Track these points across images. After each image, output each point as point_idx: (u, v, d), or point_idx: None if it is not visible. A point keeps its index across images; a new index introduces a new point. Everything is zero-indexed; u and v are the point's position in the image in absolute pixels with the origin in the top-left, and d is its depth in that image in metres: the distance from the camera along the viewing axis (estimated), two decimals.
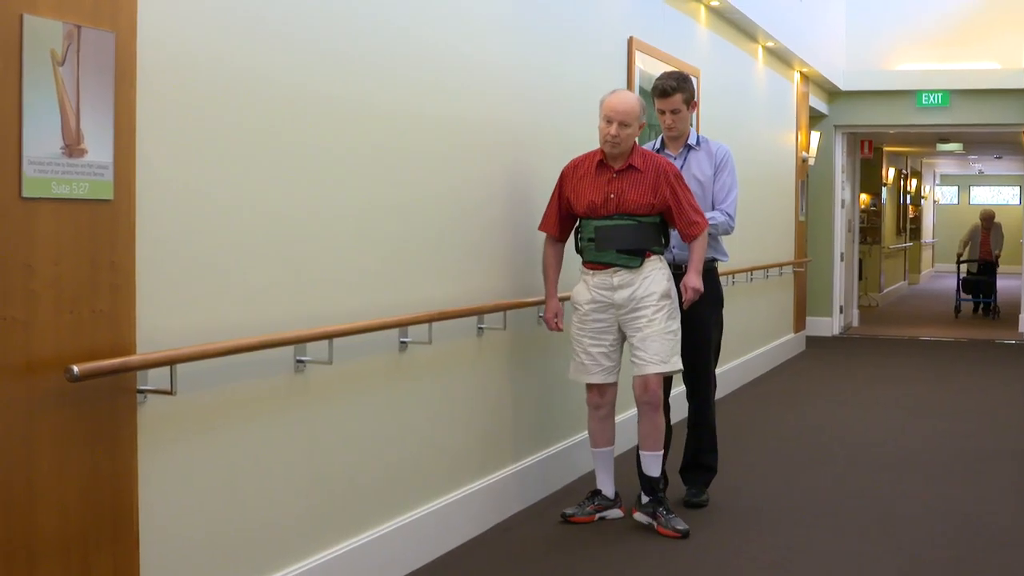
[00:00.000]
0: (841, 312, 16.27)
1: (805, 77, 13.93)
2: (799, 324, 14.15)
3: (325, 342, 4.41)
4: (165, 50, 3.66)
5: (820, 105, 15.32)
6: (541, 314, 6.39)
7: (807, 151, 14.22)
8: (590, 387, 5.93)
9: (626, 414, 7.14)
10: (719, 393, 9.77)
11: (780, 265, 12.65)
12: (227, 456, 4.01)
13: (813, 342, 14.86)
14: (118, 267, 3.44)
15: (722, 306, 6.45)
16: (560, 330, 5.96)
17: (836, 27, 15.09)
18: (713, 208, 6.30)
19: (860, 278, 18.73)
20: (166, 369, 3.61)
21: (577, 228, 5.90)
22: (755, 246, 11.55)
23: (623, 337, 5.85)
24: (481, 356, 5.83)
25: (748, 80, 11.46)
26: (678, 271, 6.03)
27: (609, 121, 5.67)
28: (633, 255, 5.72)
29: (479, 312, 5.64)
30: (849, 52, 15.35)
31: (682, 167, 6.19)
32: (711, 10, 9.86)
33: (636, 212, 5.72)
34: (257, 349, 4.01)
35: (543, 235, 6.01)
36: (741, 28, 10.84)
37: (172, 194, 3.70)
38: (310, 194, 4.41)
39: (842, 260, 16.14)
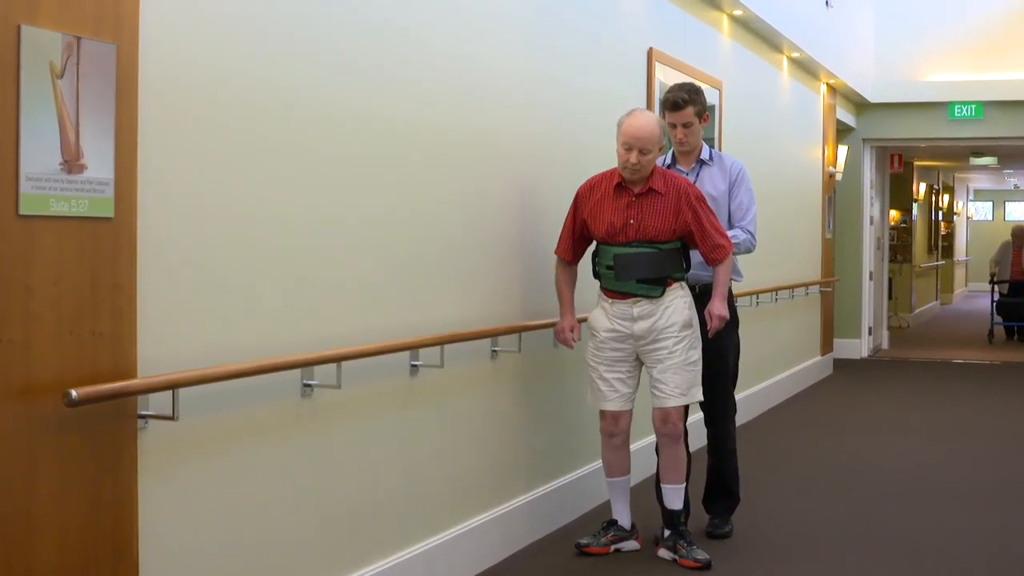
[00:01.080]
0: (870, 334, 16.24)
1: (832, 89, 13.93)
2: (826, 346, 14.14)
3: (333, 365, 4.41)
4: (168, 62, 3.68)
5: (848, 118, 15.32)
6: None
7: (834, 166, 14.22)
8: (604, 414, 5.88)
9: (642, 441, 7.14)
10: (741, 418, 9.75)
11: (806, 285, 12.64)
12: (231, 484, 4.02)
13: (841, 365, 14.84)
14: (119, 287, 3.46)
15: (737, 328, 6.42)
16: (572, 345, 5.96)
17: (864, 37, 15.09)
18: (730, 226, 6.27)
19: (890, 298, 18.70)
20: (168, 393, 3.61)
21: (594, 253, 5.87)
22: (780, 265, 11.54)
23: (641, 364, 5.84)
24: (495, 380, 5.84)
25: (772, 92, 11.48)
26: (692, 291, 5.96)
27: (629, 148, 5.62)
28: (654, 285, 5.70)
29: (493, 334, 5.64)
30: (878, 62, 15.34)
31: (695, 183, 6.13)
32: (734, 20, 9.88)
33: (657, 239, 5.68)
34: (263, 373, 4.02)
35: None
36: (765, 38, 10.86)
37: (175, 211, 3.72)
38: (318, 212, 4.43)
39: (871, 279, 16.12)
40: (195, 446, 3.84)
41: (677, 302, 5.72)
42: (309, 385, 4.38)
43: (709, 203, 5.99)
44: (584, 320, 6.04)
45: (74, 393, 3.24)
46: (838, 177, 14.51)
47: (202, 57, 3.83)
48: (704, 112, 6.21)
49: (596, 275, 5.86)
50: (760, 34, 10.66)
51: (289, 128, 4.26)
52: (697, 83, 6.44)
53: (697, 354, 5.78)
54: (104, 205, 3.39)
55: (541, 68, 6.24)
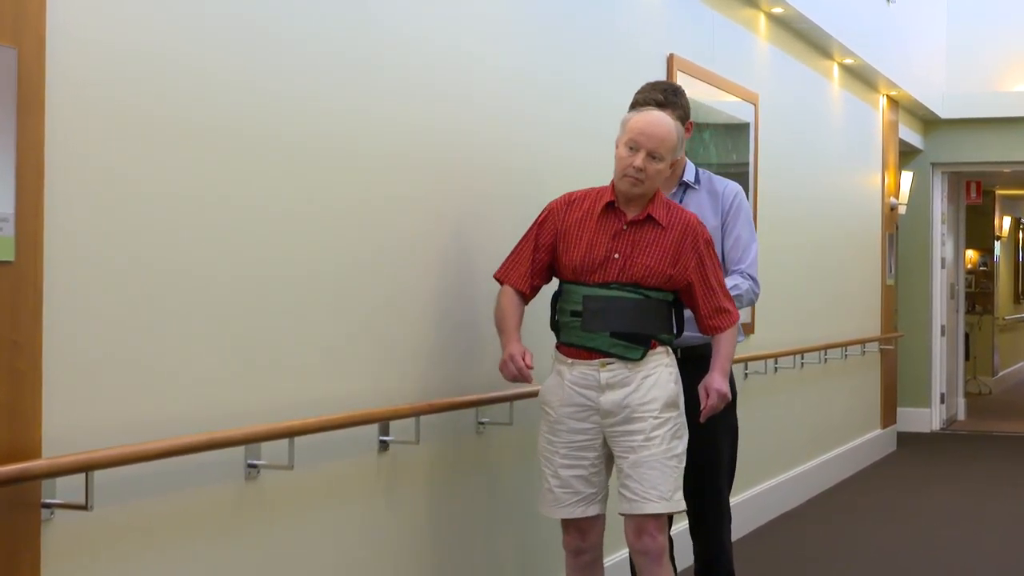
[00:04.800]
0: (942, 402, 16.24)
1: (894, 102, 13.99)
2: (888, 417, 14.14)
3: (285, 441, 4.40)
4: (83, 71, 3.68)
5: (913, 138, 15.37)
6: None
7: (896, 196, 14.25)
8: (566, 525, 5.33)
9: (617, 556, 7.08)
10: (781, 506, 9.75)
11: (862, 342, 12.65)
12: None
13: (906, 440, 14.82)
14: (20, 346, 3.45)
15: (735, 407, 5.95)
16: (530, 376, 5.25)
17: (934, 39, 15.16)
18: (726, 271, 5.77)
19: (967, 358, 18.69)
20: (80, 477, 3.60)
21: (555, 296, 5.40)
22: (830, 318, 11.55)
23: (610, 454, 5.28)
24: (481, 458, 5.82)
25: (820, 107, 11.52)
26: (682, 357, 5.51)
27: (634, 148, 5.14)
28: (633, 343, 5.18)
29: (479, 403, 5.62)
30: (951, 70, 15.39)
31: None
32: (773, 19, 9.92)
33: (645, 283, 5.19)
34: (197, 451, 4.01)
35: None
36: (812, 42, 10.90)
37: (91, 254, 3.72)
38: (265, 256, 4.43)
39: (943, 335, 16.13)
40: (113, 541, 3.82)
41: (661, 372, 5.21)
42: (254, 465, 4.36)
43: None
44: (534, 395, 5.58)
45: None
46: (901, 210, 14.53)
47: (125, 66, 3.84)
48: (686, 119, 5.73)
49: (554, 326, 5.38)
50: (805, 36, 10.70)
51: (231, 158, 4.27)
52: (676, 84, 6.01)
53: (682, 446, 5.24)
54: (2, 246, 3.39)
55: (538, 76, 6.25)
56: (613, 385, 5.16)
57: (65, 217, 3.61)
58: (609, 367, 5.17)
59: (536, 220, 5.41)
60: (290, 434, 4.40)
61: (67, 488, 3.61)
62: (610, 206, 5.26)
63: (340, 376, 4.83)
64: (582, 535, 5.30)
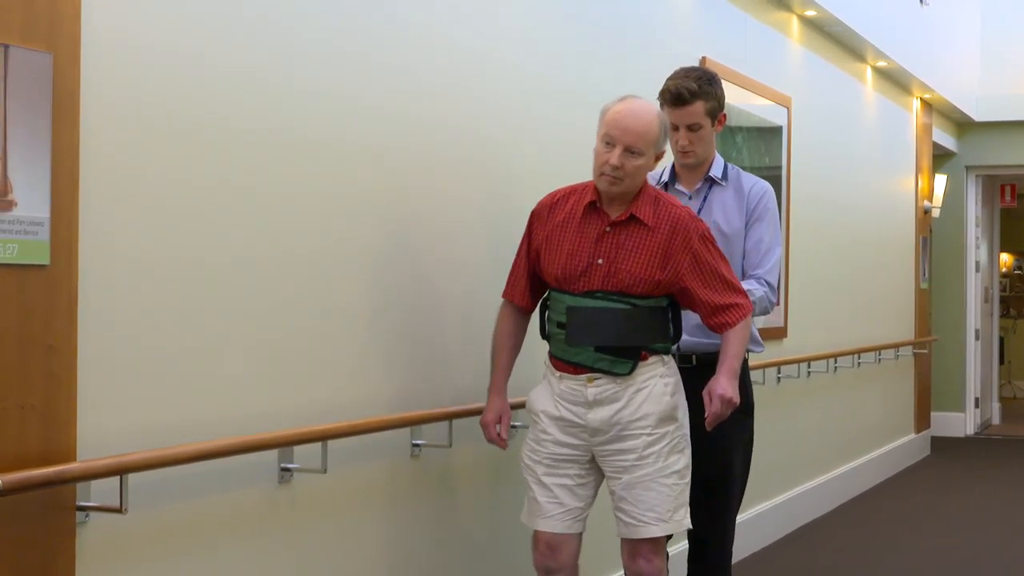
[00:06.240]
0: (977, 406, 16.17)
1: (927, 105, 13.94)
2: (922, 422, 14.08)
3: (318, 444, 4.41)
4: (117, 75, 3.69)
5: (947, 140, 15.31)
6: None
7: (930, 200, 14.19)
8: (536, 540, 4.97)
9: None
10: (809, 513, 9.70)
11: (896, 346, 12.60)
12: None
13: (940, 444, 14.76)
14: (55, 350, 3.46)
15: (751, 418, 5.53)
16: (504, 444, 5.08)
17: (968, 41, 15.09)
18: (743, 275, 5.41)
19: (1001, 362, 18.59)
20: (115, 480, 3.60)
21: (544, 303, 5.06)
22: (863, 322, 11.50)
23: (596, 472, 4.96)
24: (516, 462, 5.80)
25: (853, 109, 11.49)
26: (686, 365, 5.22)
27: (610, 143, 4.72)
28: (620, 357, 4.81)
29: (512, 407, 5.60)
30: (985, 72, 15.30)
31: (700, 211, 5.33)
32: (806, 22, 9.88)
33: (631, 291, 4.79)
34: (231, 454, 4.02)
35: None
36: (845, 44, 10.87)
37: (125, 258, 3.73)
38: (300, 261, 4.44)
39: (977, 339, 16.06)
40: (147, 544, 3.83)
41: (654, 384, 4.83)
42: (288, 469, 4.37)
43: (719, 241, 5.09)
44: (520, 406, 5.28)
45: None
46: (935, 213, 14.47)
47: (159, 72, 3.84)
48: (720, 111, 5.38)
49: (544, 335, 5.04)
50: (838, 39, 10.68)
51: (266, 159, 4.28)
52: (712, 71, 5.60)
53: (683, 461, 4.88)
54: (38, 250, 3.40)
55: (569, 79, 6.24)
56: (602, 401, 4.81)
57: (100, 221, 3.61)
58: (597, 383, 4.81)
59: (526, 229, 5.06)
60: (323, 437, 4.41)
61: (101, 491, 3.62)
62: (593, 206, 4.87)
63: (374, 379, 4.83)
64: (553, 553, 4.93)
